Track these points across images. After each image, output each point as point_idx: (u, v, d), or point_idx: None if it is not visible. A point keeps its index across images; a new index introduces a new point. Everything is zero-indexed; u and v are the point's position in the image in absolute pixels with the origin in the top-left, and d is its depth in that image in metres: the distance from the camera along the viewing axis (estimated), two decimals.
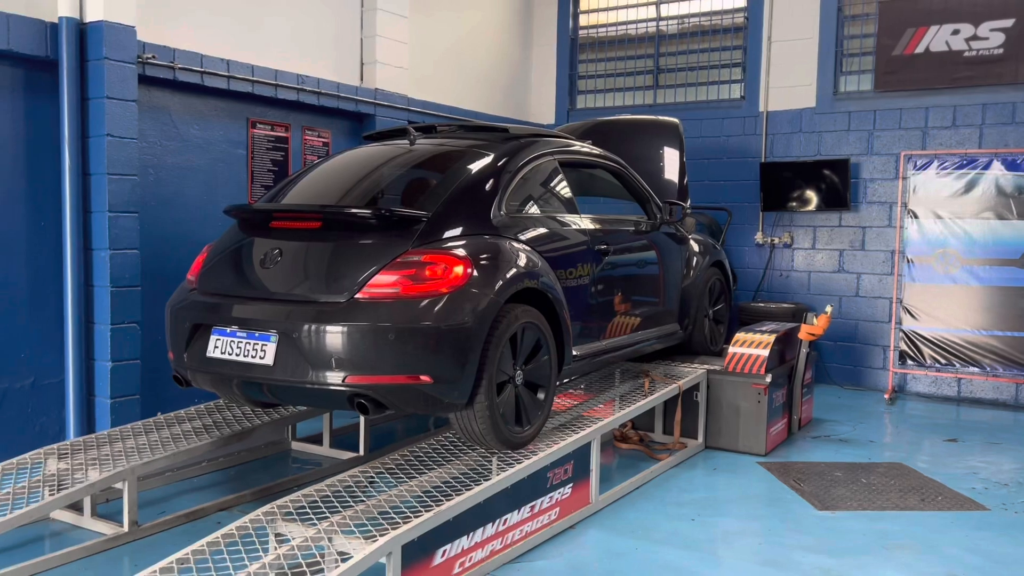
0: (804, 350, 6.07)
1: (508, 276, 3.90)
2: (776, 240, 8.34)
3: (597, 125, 7.10)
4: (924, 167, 7.35)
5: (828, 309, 6.03)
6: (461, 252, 3.78)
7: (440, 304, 3.62)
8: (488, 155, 4.37)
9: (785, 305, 7.93)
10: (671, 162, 6.67)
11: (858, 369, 8.00)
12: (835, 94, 8.08)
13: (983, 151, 7.24)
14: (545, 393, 4.20)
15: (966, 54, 7.40)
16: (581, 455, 4.32)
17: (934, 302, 7.31)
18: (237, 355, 3.75)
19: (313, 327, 3.57)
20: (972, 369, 7.22)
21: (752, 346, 5.76)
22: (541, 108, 9.51)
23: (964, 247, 7.20)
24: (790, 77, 8.21)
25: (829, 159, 7.99)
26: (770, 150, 8.35)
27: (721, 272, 6.45)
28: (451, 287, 3.67)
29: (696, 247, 6.13)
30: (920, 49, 7.59)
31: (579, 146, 5.15)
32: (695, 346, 6.11)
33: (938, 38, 7.51)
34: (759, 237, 8.40)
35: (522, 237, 4.22)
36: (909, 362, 7.41)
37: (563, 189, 4.79)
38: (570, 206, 4.79)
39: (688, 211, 5.97)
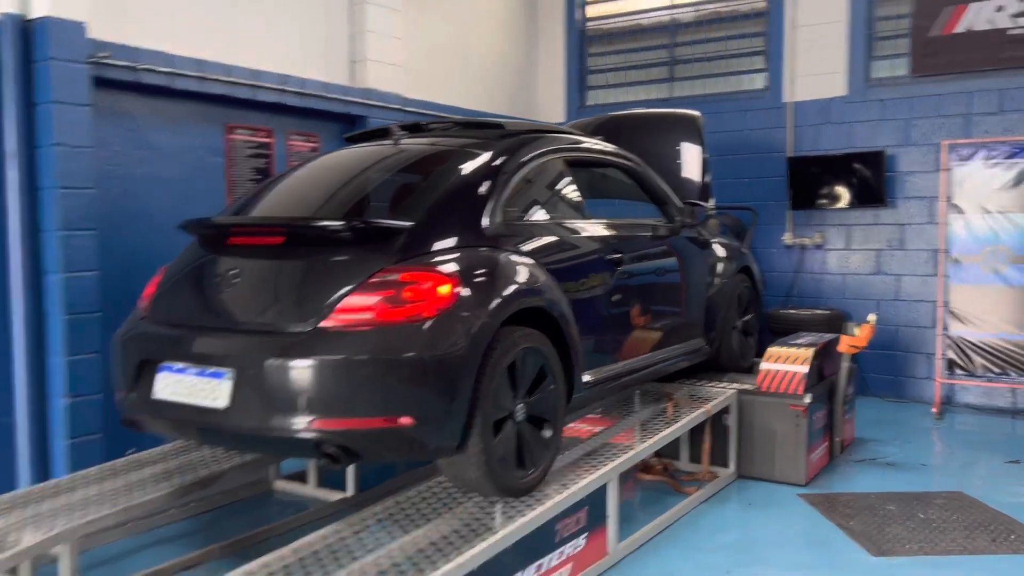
0: (845, 364, 5.44)
1: (504, 294, 3.33)
2: (806, 241, 7.70)
3: (609, 120, 6.51)
4: (969, 157, 6.69)
5: (871, 318, 5.40)
6: (448, 268, 3.21)
7: (423, 330, 3.05)
8: (481, 155, 3.80)
9: (819, 312, 7.29)
10: (691, 159, 6.06)
11: (900, 380, 7.34)
12: (867, 81, 7.44)
13: None
14: (552, 429, 3.61)
15: (1011, 31, 6.74)
16: (596, 499, 3.72)
17: (984, 305, 6.65)
18: (187, 397, 3.19)
19: (271, 362, 3.00)
20: None
21: (788, 362, 5.14)
22: (549, 106, 8.93)
23: (1016, 244, 6.53)
24: (817, 64, 7.58)
25: (862, 151, 7.35)
26: (797, 143, 7.72)
27: (749, 278, 5.84)
28: (436, 310, 3.10)
29: (721, 252, 5.53)
30: (960, 29, 6.94)
31: (588, 143, 4.56)
32: (723, 362, 5.50)
33: (980, 16, 6.86)
34: (788, 238, 7.77)
35: (522, 248, 3.64)
36: (958, 371, 6.75)
37: (570, 191, 4.21)
38: (578, 210, 4.20)
39: (711, 212, 5.36)
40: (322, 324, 3.05)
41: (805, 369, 5.05)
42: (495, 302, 3.27)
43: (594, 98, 8.92)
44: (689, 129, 6.16)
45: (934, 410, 6.81)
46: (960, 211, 6.73)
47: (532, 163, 3.94)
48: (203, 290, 3.44)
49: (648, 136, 6.19)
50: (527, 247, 3.67)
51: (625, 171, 4.88)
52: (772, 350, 5.27)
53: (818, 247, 7.68)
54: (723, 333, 5.40)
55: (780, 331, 7.21)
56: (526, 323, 3.48)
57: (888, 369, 7.36)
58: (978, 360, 6.66)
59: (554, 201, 4.13)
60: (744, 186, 7.93)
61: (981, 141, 6.74)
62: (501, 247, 3.54)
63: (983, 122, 6.91)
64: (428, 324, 3.06)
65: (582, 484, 3.59)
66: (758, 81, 8.04)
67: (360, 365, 2.97)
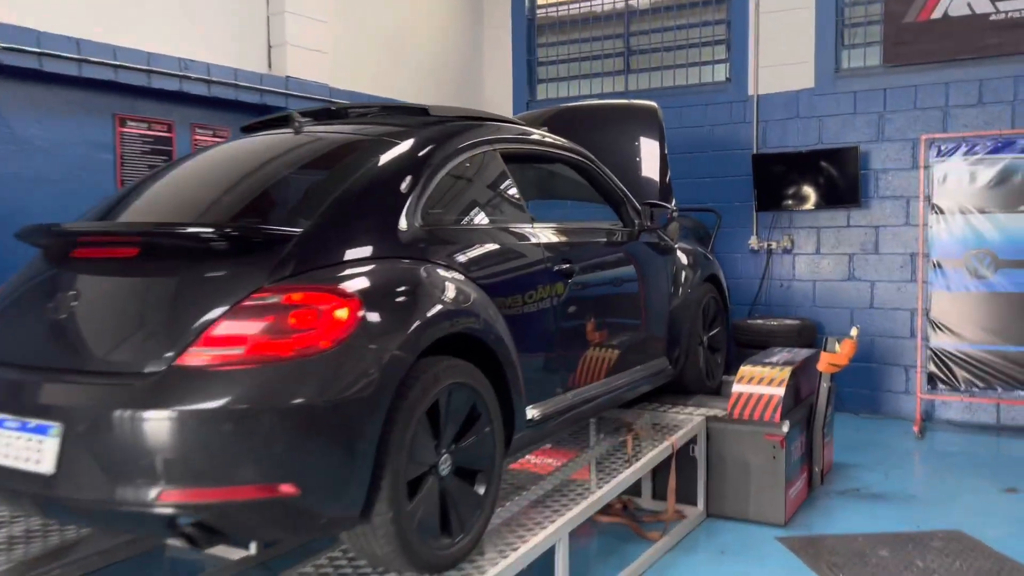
0: (825, 384, 4.83)
1: (423, 318, 2.63)
2: (774, 245, 7.13)
3: (560, 112, 5.86)
4: (949, 153, 6.16)
5: (853, 332, 4.80)
6: (348, 285, 2.51)
7: (313, 368, 2.34)
8: (399, 145, 3.10)
9: (788, 322, 6.71)
10: (650, 155, 5.44)
11: (876, 394, 6.79)
12: (837, 71, 6.89)
13: (1019, 131, 6.06)
14: (487, 482, 2.92)
15: (993, 17, 6.23)
16: (542, 564, 3.05)
17: (967, 313, 6.11)
18: (3, 457, 2.44)
19: (108, 413, 2.27)
20: (1019, 393, 6.02)
21: (762, 383, 4.52)
22: (496, 99, 8.24)
23: (1001, 247, 6.01)
24: (783, 54, 7.01)
25: (833, 147, 6.79)
26: (763, 140, 7.14)
27: (716, 288, 5.22)
28: (332, 340, 2.39)
29: (684, 258, 4.90)
30: (937, 14, 6.42)
31: (533, 135, 3.89)
32: (688, 383, 4.86)
33: (958, 0, 6.34)
34: (753, 242, 7.19)
35: (448, 258, 2.95)
36: (941, 386, 6.20)
37: (509, 190, 3.52)
38: (520, 213, 3.52)
39: (674, 214, 4.73)
40: (178, 362, 2.32)
41: (781, 392, 4.44)
42: (411, 328, 2.57)
43: (544, 91, 8.26)
44: (647, 122, 5.54)
45: (915, 429, 6.26)
46: (940, 211, 6.19)
47: (462, 156, 3.25)
48: (36, 317, 2.68)
49: (603, 130, 5.55)
50: (455, 257, 2.98)
51: (576, 168, 4.23)
52: (744, 369, 4.65)
53: (786, 251, 7.11)
54: (688, 350, 4.77)
55: (746, 343, 6.62)
56: (453, 352, 2.80)
57: (863, 383, 6.80)
58: (961, 373, 6.12)
59: (490, 202, 3.44)
60: (706, 186, 7.34)
61: (962, 135, 6.21)
62: (422, 258, 2.85)
63: (962, 115, 6.39)
64: (320, 360, 2.35)
65: (525, 549, 2.90)
66: (720, 73, 7.46)
67: (227, 416, 2.25)
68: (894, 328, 6.70)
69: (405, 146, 3.09)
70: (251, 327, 2.36)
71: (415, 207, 2.93)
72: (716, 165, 7.32)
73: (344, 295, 2.46)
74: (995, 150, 6.00)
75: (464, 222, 3.20)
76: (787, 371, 4.55)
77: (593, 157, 4.26)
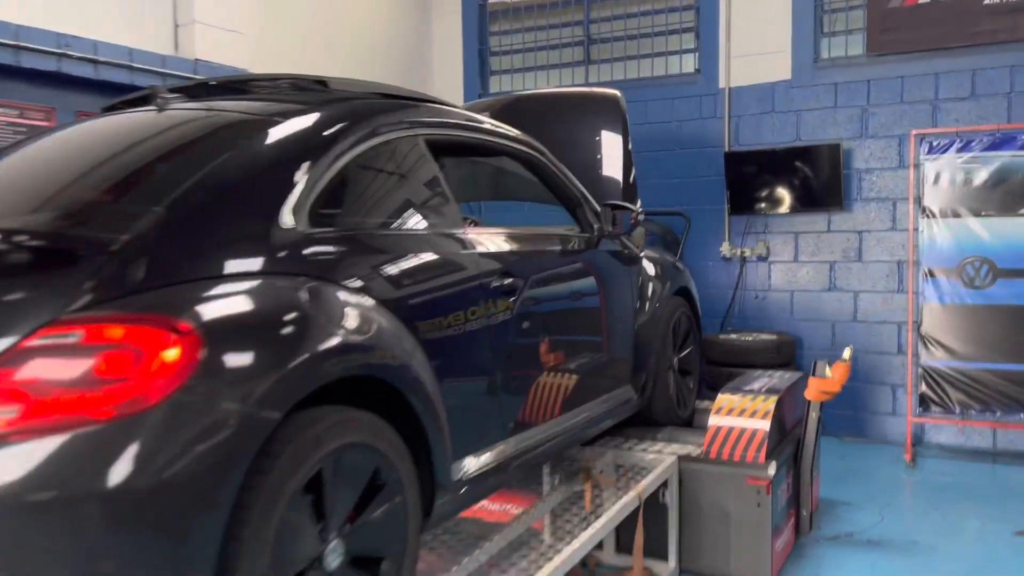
0: (814, 415, 4.17)
1: (300, 358, 1.91)
2: (748, 252, 6.50)
3: (512, 102, 5.17)
4: (942, 150, 5.56)
5: (846, 354, 4.16)
6: (184, 315, 1.77)
7: (125, 438, 1.62)
8: (281, 126, 2.37)
9: (764, 336, 6.07)
10: (612, 151, 4.76)
11: (861, 416, 6.17)
12: (816, 62, 6.28)
13: (1019, 126, 5.49)
14: (396, 570, 2.20)
15: (987, 1, 5.66)
16: None
17: (963, 328, 5.51)
18: None
19: None
20: (1020, 416, 5.43)
21: (744, 415, 3.86)
22: (446, 92, 7.49)
23: (1001, 254, 5.42)
24: (757, 42, 6.39)
25: (812, 145, 6.18)
26: (735, 136, 6.51)
27: (687, 302, 4.55)
28: (156, 395, 1.66)
29: (652, 269, 4.24)
30: None
31: (469, 121, 3.17)
32: (657, 413, 4.18)
33: None
34: (725, 248, 6.55)
35: (346, 273, 2.23)
36: (933, 408, 5.60)
37: (435, 187, 2.80)
38: (450, 215, 2.81)
39: (639, 218, 4.04)
40: None
41: (766, 426, 3.78)
42: (280, 373, 1.85)
43: (498, 84, 7.56)
44: (609, 113, 4.85)
45: (906, 457, 5.64)
46: (931, 215, 5.59)
47: (370, 142, 2.51)
48: None
49: (559, 122, 4.85)
50: (357, 272, 2.26)
51: (525, 163, 3.54)
52: (723, 399, 3.99)
53: (761, 259, 6.48)
54: (657, 376, 4.09)
55: (718, 361, 5.98)
56: (347, 400, 2.09)
57: (846, 403, 6.18)
58: (955, 394, 5.52)
59: (409, 201, 2.72)
60: (674, 187, 6.69)
61: (956, 130, 5.63)
62: (307, 272, 2.12)
63: (953, 109, 5.81)
64: (137, 424, 1.63)
65: None
66: (689, 63, 6.82)
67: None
68: (880, 343, 6.09)
69: (290, 128, 2.36)
70: (34, 378, 1.63)
71: (301, 207, 2.20)
72: (685, 164, 6.67)
73: (177, 329, 1.73)
74: (992, 147, 5.42)
75: (371, 226, 2.47)
76: (772, 400, 3.89)
77: (545, 151, 3.57)
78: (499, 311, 2.81)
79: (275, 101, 2.66)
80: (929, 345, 5.59)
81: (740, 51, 6.44)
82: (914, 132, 5.70)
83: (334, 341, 2.02)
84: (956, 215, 5.51)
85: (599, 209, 3.78)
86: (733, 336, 6.13)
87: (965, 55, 5.74)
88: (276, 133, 2.33)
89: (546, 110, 4.95)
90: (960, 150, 5.50)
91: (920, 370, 5.64)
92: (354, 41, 6.64)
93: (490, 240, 2.93)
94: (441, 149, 2.94)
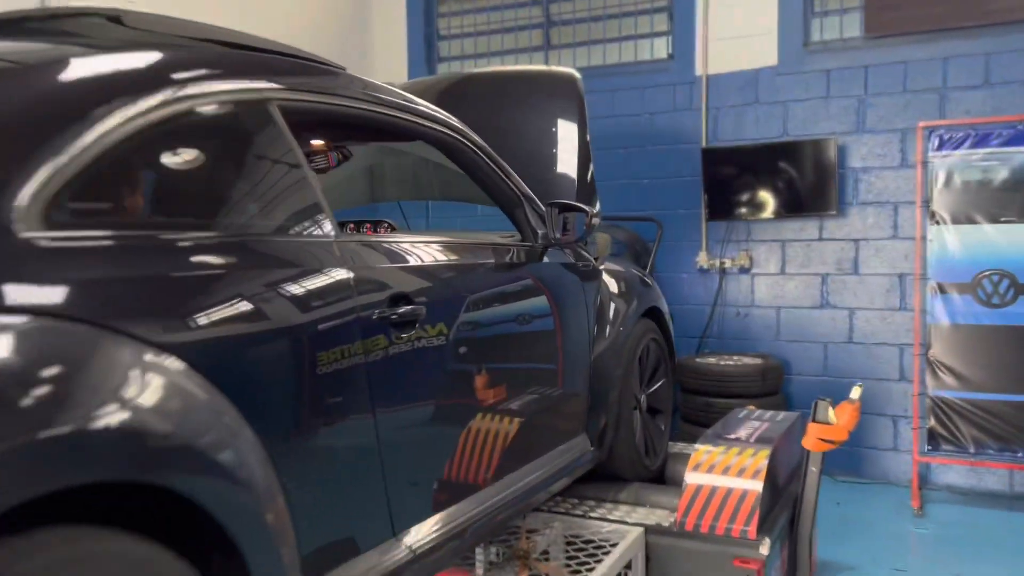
0: (815, 469, 3.34)
1: None
2: (728, 263, 5.69)
3: (453, 84, 4.33)
4: (955, 145, 4.78)
5: (855, 394, 3.34)
6: None
7: None
8: (26, 78, 1.51)
9: (747, 360, 5.26)
10: (567, 143, 3.91)
11: (857, 451, 5.37)
12: (806, 45, 5.50)
13: None
14: None
15: None
16: None
17: (978, 352, 4.73)
18: None
19: None
20: None
21: (729, 473, 3.03)
22: (390, 56, 6.67)
23: (1023, 267, 4.65)
24: (739, 23, 5.60)
25: (801, 140, 5.39)
26: (714, 131, 5.71)
27: (658, 325, 3.74)
28: None
29: (614, 285, 3.42)
30: None
31: (352, 84, 2.30)
32: (620, 465, 3.36)
33: None
34: (703, 259, 5.74)
35: (101, 305, 1.35)
36: (944, 446, 4.80)
37: (286, 175, 1.93)
38: (308, 217, 1.94)
39: (594, 221, 3.18)
40: None
41: (757, 487, 2.95)
42: None
43: (446, 70, 6.71)
44: (563, 97, 3.99)
45: (914, 504, 4.84)
46: (942, 220, 4.81)
47: (176, 107, 1.63)
48: None
49: (503, 106, 4.01)
50: (126, 300, 1.40)
51: (445, 149, 2.69)
52: (703, 452, 3.16)
53: (743, 271, 5.67)
54: (619, 419, 3.27)
55: (694, 389, 5.17)
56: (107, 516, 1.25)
57: None
58: (969, 430, 4.73)
59: (238, 193, 1.84)
60: (643, 189, 5.88)
61: (971, 122, 4.85)
62: (36, 305, 1.26)
63: (964, 99, 5.04)
64: None
65: None
66: (661, 48, 6.01)
67: None
68: (878, 368, 5.30)
69: (38, 81, 1.51)
70: None
71: (39, 200, 1.34)
72: (656, 163, 5.86)
73: None
74: (1013, 141, 4.65)
75: (161, 228, 1.60)
76: (764, 454, 3.07)
77: (469, 133, 2.72)
78: (388, 351, 1.97)
79: (37, 41, 1.79)
80: (938, 372, 4.80)
81: (720, 33, 5.65)
82: (922, 125, 4.92)
83: (61, 428, 1.17)
84: (971, 221, 4.73)
85: (544, 211, 2.94)
86: (711, 360, 5.31)
87: (978, 37, 4.98)
88: (13, 89, 1.47)
89: (489, 92, 4.10)
90: (975, 145, 4.72)
91: (928, 401, 4.84)
92: (282, 21, 5.76)
93: (377, 253, 2.08)
94: (312, 123, 2.10)
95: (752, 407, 4.09)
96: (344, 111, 2.18)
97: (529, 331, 2.81)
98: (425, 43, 6.67)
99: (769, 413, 3.78)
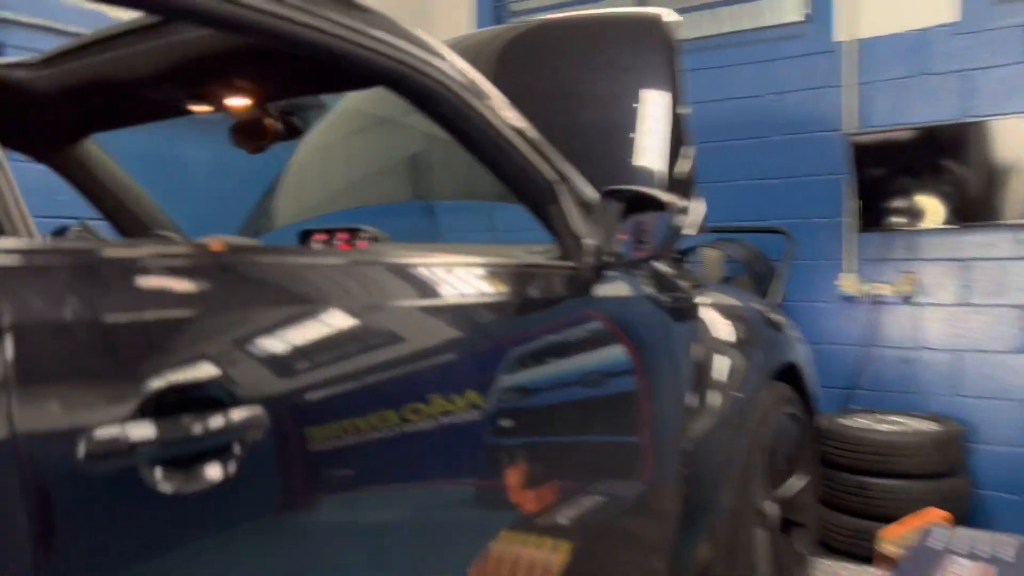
0: None
1: None
2: (885, 289, 4.24)
3: (515, 38, 3.10)
4: None
5: None
6: None
7: None
8: None
9: (915, 424, 3.82)
10: (651, 113, 2.60)
11: None
12: None
13: None
14: None
15: None
16: None
17: None
18: None
19: None
20: None
21: None
22: (452, 8, 5.55)
23: None
24: None
25: (989, 120, 3.92)
26: (865, 114, 4.29)
27: (796, 391, 2.41)
28: None
29: (726, 328, 2.15)
30: None
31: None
32: None
33: None
34: (848, 283, 4.31)
35: None
36: None
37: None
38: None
39: (688, 221, 1.85)
40: None
41: None
42: None
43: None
44: (646, 48, 2.71)
45: None
46: None
47: None
48: None
49: (564, 65, 2.77)
50: None
51: (405, 90, 1.49)
52: None
53: (905, 299, 4.21)
54: (733, 545, 1.97)
55: (838, 464, 3.77)
56: None
57: None
58: None
59: None
60: (767, 191, 4.51)
61: None
62: None
63: None
64: None
65: None
66: (791, 8, 4.63)
67: None
68: None
69: None
70: None
71: None
72: (784, 157, 4.49)
73: None
74: None
75: None
76: None
77: (456, 70, 1.51)
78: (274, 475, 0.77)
79: None
80: None
81: None
82: None
83: None
84: None
85: (595, 202, 1.70)
86: (863, 422, 3.88)
87: None
88: None
89: (544, 47, 2.87)
90: None
91: None
92: None
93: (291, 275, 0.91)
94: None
95: (943, 517, 2.67)
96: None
97: (568, 413, 1.58)
98: None
99: (986, 538, 2.36)
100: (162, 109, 2.08)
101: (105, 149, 2.36)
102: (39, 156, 2.28)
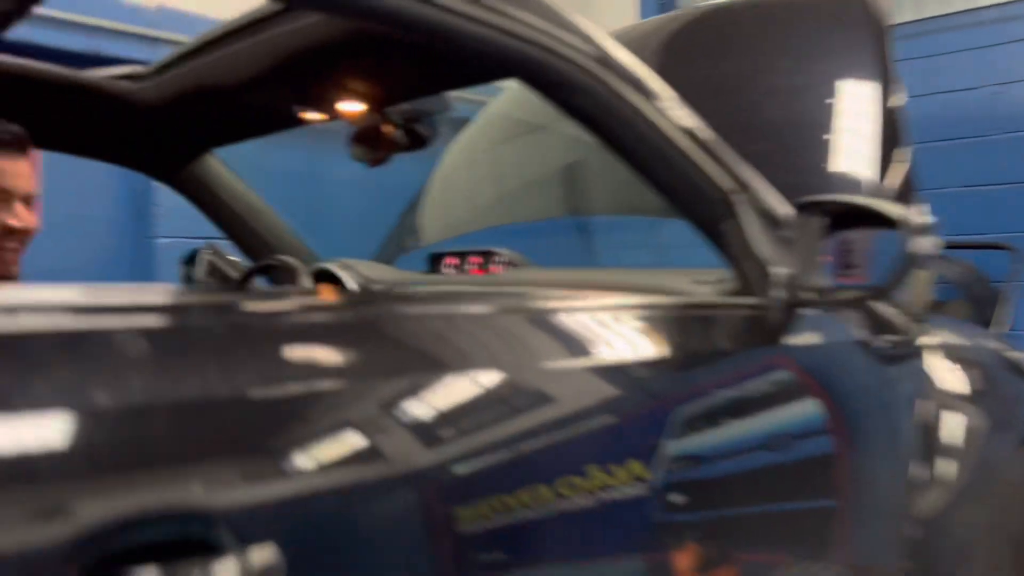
0: None
1: None
2: None
3: (689, 22, 2.68)
4: None
5: None
6: None
7: None
8: None
9: None
10: (858, 110, 2.10)
11: None
12: None
13: None
14: None
15: None
16: None
17: None
18: None
19: None
20: None
21: None
22: (611, 14, 5.29)
23: None
24: None
25: None
26: None
27: None
28: None
29: (961, 378, 1.66)
30: None
31: None
32: None
33: None
34: None
35: None
36: None
37: None
38: None
39: (918, 249, 1.37)
40: None
41: None
42: None
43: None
44: (852, 34, 2.21)
45: None
46: None
47: None
48: None
49: (748, 54, 2.32)
50: None
51: (545, 85, 1.17)
52: None
53: None
54: None
55: None
56: None
57: None
58: None
59: None
60: (986, 200, 3.91)
61: None
62: None
63: None
64: None
65: None
66: None
67: None
68: None
69: None
70: None
71: None
72: (1007, 160, 3.87)
73: None
74: None
75: None
76: None
77: (612, 58, 1.16)
78: None
79: None
80: None
81: None
82: None
83: None
84: None
85: (787, 217, 1.30)
86: None
87: None
88: None
89: (729, 31, 2.45)
90: None
91: None
92: None
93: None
94: None
95: None
96: None
97: (751, 486, 1.23)
98: None
99: None
100: (278, 118, 1.88)
101: (226, 165, 2.19)
102: (157, 174, 2.14)
